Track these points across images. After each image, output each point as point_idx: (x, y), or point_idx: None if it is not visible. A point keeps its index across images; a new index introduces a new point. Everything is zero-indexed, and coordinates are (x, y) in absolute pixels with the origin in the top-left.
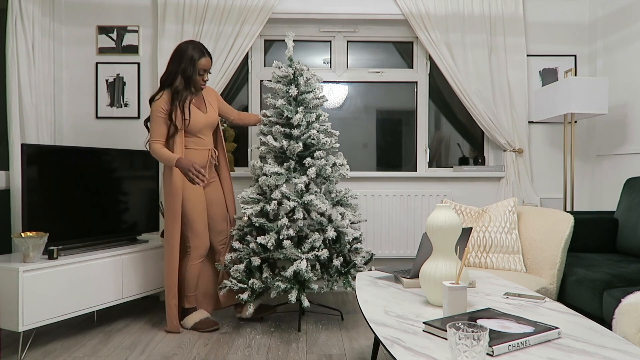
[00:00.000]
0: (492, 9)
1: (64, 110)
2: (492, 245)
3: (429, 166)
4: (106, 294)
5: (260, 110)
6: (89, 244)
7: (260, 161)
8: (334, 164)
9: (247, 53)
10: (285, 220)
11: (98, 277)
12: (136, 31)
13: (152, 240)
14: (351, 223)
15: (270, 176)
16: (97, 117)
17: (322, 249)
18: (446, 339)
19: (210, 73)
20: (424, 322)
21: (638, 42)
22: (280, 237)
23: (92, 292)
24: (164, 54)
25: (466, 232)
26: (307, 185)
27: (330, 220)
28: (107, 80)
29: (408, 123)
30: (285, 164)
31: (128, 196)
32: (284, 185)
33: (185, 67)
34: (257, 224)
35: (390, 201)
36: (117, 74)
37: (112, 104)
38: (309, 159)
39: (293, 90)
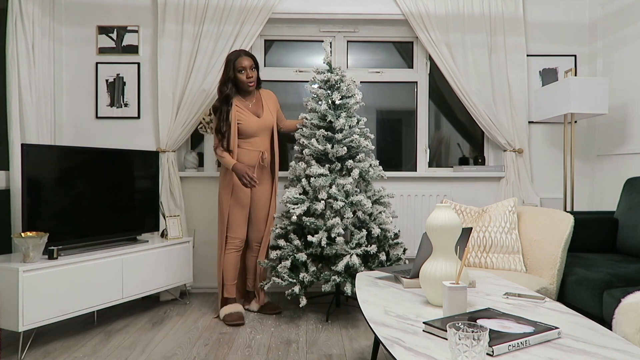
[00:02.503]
0: (492, 9)
1: (64, 110)
2: (492, 245)
3: (429, 166)
4: (106, 294)
5: None
6: (89, 244)
7: (298, 163)
8: (370, 165)
9: None
10: (338, 219)
11: (98, 277)
12: (136, 31)
13: (152, 240)
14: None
15: (317, 177)
16: (97, 117)
17: (369, 245)
18: (446, 339)
19: (254, 70)
20: (424, 322)
21: (638, 42)
22: (332, 234)
23: (92, 292)
24: (164, 54)
25: (466, 232)
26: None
27: (372, 218)
28: (107, 80)
29: (408, 123)
30: (327, 166)
31: (128, 196)
32: (334, 186)
33: (228, 70)
34: (306, 223)
35: (390, 201)
36: (117, 74)
37: (112, 104)
38: (350, 161)
39: (336, 96)
